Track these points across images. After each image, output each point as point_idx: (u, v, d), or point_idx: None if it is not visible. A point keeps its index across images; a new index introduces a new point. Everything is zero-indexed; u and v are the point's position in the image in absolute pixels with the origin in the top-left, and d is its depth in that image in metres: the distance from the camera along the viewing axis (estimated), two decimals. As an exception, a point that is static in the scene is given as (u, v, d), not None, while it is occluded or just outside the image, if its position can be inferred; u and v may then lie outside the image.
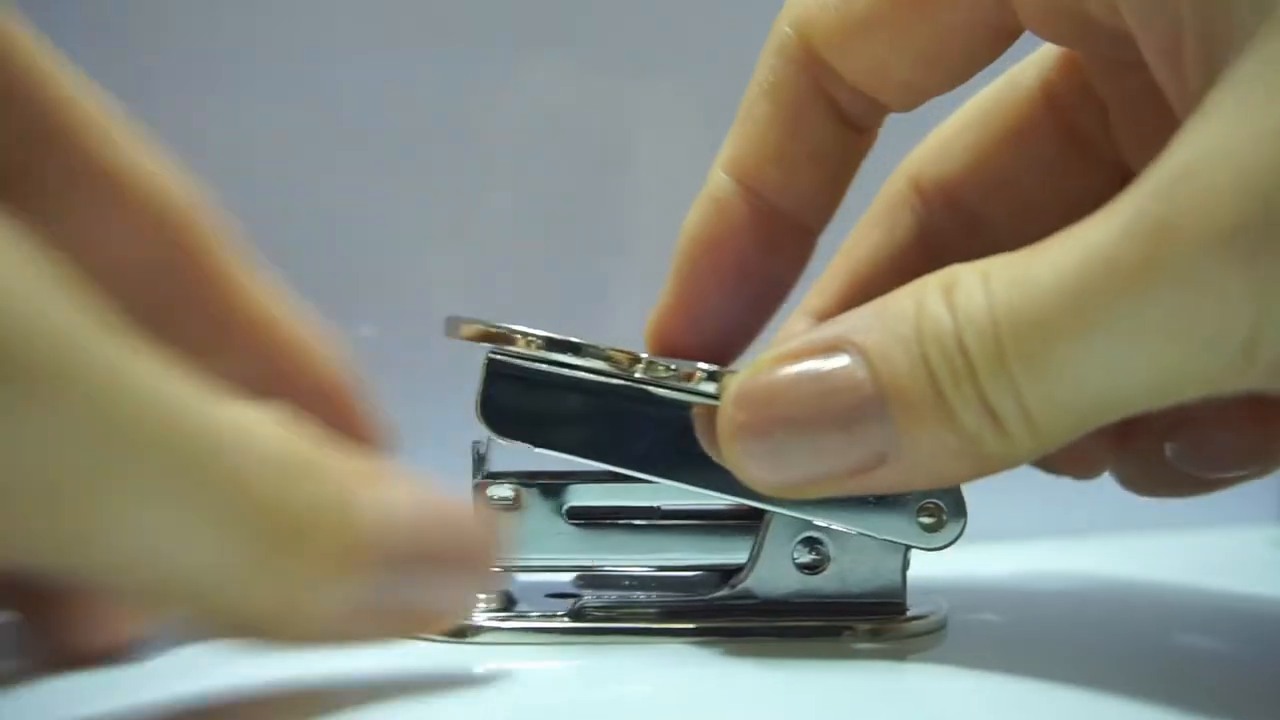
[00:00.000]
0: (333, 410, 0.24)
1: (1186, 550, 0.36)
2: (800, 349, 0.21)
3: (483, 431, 0.24)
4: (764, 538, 0.24)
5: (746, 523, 0.25)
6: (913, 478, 0.21)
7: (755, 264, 0.25)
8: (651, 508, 0.25)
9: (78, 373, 0.15)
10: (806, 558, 0.25)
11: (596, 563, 0.25)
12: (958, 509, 0.24)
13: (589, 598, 0.25)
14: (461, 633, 0.24)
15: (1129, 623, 0.27)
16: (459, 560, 0.20)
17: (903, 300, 0.20)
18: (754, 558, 0.25)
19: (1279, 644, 0.25)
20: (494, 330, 0.23)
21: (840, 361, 0.20)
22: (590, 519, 0.25)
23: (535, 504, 0.25)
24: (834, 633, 0.24)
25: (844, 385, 0.20)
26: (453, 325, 0.24)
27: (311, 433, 0.18)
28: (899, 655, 0.24)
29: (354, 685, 0.21)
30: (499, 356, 0.23)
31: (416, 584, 0.19)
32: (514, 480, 0.25)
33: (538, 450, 0.24)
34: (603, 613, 0.24)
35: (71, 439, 0.15)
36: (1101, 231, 0.18)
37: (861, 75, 0.24)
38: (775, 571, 0.25)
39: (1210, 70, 0.18)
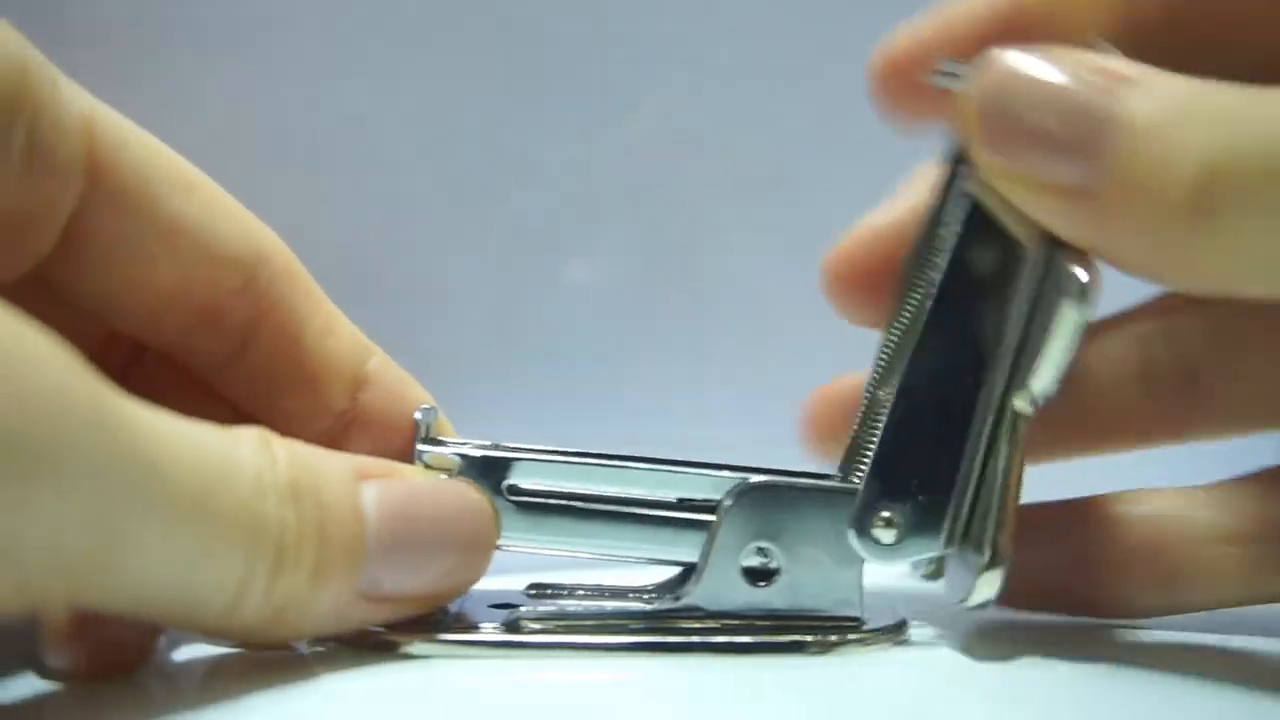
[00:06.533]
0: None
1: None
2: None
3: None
4: (711, 547, 0.23)
5: (696, 517, 0.24)
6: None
7: None
8: (598, 495, 0.24)
9: (78, 443, 0.16)
10: (755, 562, 0.23)
11: (534, 546, 0.24)
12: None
13: (526, 609, 0.23)
14: (387, 645, 0.22)
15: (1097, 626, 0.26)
16: (454, 543, 0.22)
17: None
18: (701, 569, 0.23)
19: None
20: None
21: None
22: (532, 498, 0.24)
23: (474, 477, 0.24)
24: (786, 648, 0.23)
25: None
26: None
27: (296, 446, 0.20)
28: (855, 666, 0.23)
29: (269, 697, 0.20)
30: None
31: (411, 570, 0.21)
32: (455, 451, 0.24)
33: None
34: (539, 625, 0.23)
35: (75, 507, 0.16)
36: None
37: None
38: (723, 583, 0.23)
39: None
